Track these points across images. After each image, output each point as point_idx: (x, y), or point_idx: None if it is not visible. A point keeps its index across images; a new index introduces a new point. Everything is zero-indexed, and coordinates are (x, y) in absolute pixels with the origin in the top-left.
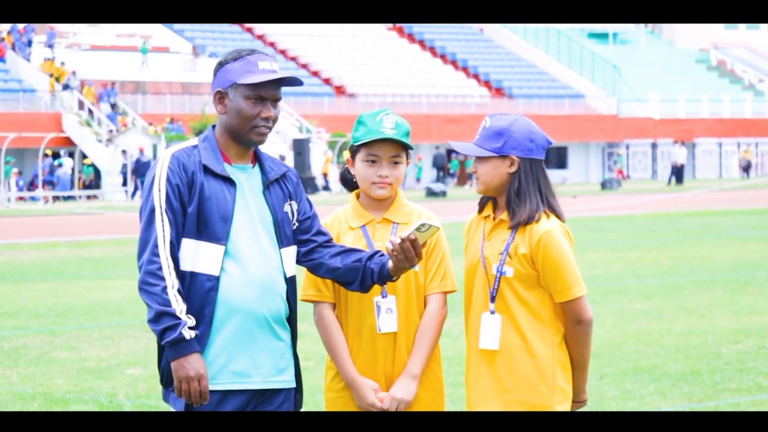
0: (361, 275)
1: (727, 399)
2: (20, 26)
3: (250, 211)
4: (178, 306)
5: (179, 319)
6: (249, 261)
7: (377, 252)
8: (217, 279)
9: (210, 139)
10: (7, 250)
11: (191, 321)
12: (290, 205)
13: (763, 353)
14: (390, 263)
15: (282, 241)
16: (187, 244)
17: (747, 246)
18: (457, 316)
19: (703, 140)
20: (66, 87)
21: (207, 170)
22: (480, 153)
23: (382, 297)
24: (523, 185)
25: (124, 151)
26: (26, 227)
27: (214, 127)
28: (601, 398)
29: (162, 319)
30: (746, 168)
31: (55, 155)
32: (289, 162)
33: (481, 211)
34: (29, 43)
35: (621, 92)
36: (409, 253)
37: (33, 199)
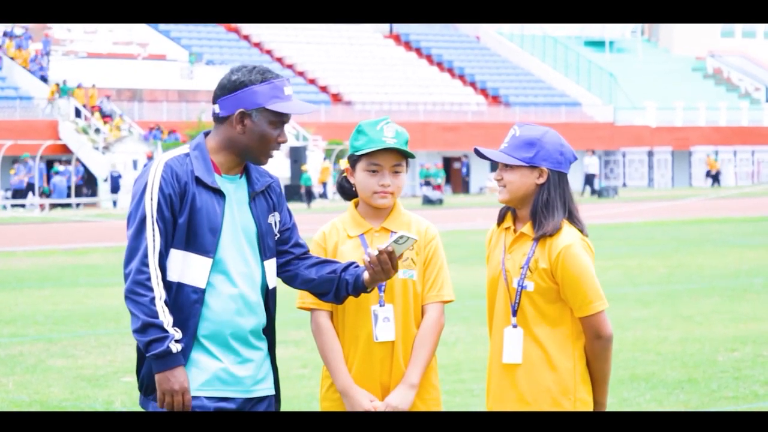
0: (335, 286)
1: (723, 407)
2: (28, 42)
3: (236, 223)
4: (165, 318)
5: (166, 332)
6: (234, 275)
7: (352, 263)
8: (203, 292)
9: (202, 148)
10: (3, 257)
11: (178, 334)
12: (274, 216)
13: (760, 361)
14: (365, 275)
15: (265, 254)
16: (176, 255)
17: (744, 254)
18: (454, 324)
19: (699, 148)
20: (102, 112)
21: (198, 181)
22: (511, 161)
23: (380, 306)
24: (552, 197)
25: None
26: (23, 234)
27: (206, 134)
28: None
29: (149, 331)
30: (715, 176)
31: (50, 162)
32: (286, 170)
33: (500, 223)
34: (43, 73)
35: (617, 100)
36: (386, 265)
37: (25, 206)
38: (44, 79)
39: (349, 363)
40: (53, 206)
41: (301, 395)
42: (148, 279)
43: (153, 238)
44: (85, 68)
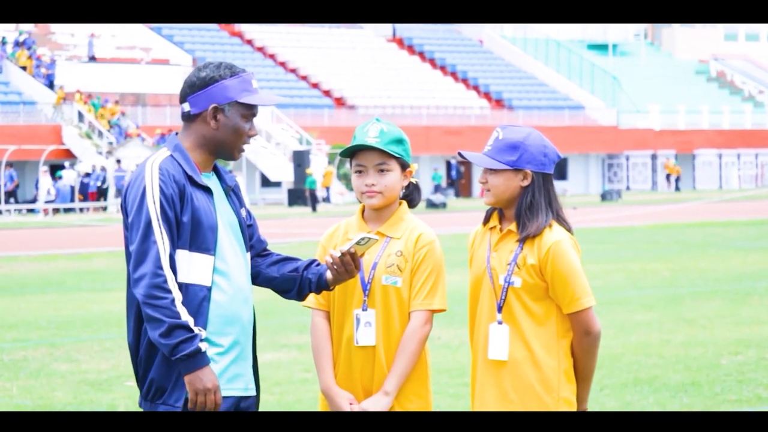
0: (298, 285)
1: (727, 410)
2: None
3: (224, 219)
4: (189, 318)
5: (193, 331)
6: (233, 270)
7: (313, 261)
8: (208, 289)
9: (180, 148)
10: (7, 263)
11: (203, 333)
12: (244, 210)
13: (764, 364)
14: (328, 274)
15: (247, 247)
16: (182, 256)
17: (747, 257)
18: (458, 327)
19: (703, 151)
20: (123, 135)
21: (191, 180)
22: (494, 165)
23: (363, 310)
24: (536, 199)
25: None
26: (26, 239)
27: (176, 134)
28: (602, 409)
29: (175, 333)
30: (675, 181)
31: (55, 167)
32: (290, 174)
33: (486, 222)
34: (51, 80)
35: (621, 103)
36: (349, 266)
37: (33, 211)
38: (51, 84)
39: (336, 365)
40: (56, 211)
41: (304, 399)
42: (165, 281)
43: (162, 241)
44: (88, 73)
